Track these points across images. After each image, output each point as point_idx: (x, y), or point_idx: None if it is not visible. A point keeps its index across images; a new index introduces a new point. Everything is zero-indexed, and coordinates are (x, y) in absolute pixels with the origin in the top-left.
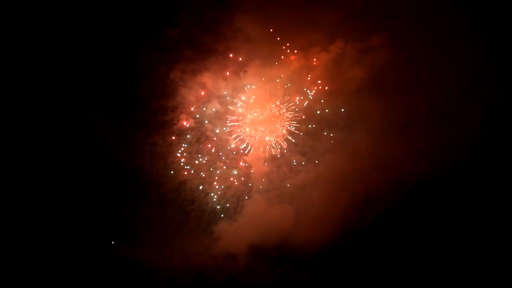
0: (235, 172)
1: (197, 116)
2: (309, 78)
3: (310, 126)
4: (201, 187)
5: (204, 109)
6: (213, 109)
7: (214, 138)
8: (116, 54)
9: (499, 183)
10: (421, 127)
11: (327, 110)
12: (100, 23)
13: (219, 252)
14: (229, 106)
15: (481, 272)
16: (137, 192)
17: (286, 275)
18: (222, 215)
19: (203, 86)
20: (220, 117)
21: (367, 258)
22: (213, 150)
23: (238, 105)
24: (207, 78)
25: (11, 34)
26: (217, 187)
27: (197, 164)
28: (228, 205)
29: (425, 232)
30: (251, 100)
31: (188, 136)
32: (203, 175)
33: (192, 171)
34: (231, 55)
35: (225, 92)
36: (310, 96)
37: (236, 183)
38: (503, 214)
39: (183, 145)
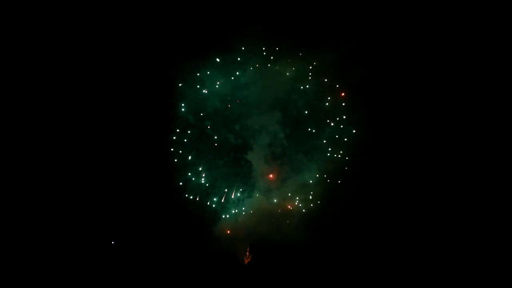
0: (236, 171)
1: (197, 113)
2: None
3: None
4: (201, 187)
5: (204, 106)
6: (213, 107)
7: (215, 137)
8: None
9: None
10: None
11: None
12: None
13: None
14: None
15: None
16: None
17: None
18: (223, 215)
19: (203, 83)
20: (220, 115)
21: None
22: (213, 149)
23: None
24: (206, 76)
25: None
26: (218, 186)
27: (197, 163)
28: (229, 204)
29: None
30: None
31: (188, 133)
32: (204, 174)
33: (192, 170)
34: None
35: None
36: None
37: (237, 181)
38: None
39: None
